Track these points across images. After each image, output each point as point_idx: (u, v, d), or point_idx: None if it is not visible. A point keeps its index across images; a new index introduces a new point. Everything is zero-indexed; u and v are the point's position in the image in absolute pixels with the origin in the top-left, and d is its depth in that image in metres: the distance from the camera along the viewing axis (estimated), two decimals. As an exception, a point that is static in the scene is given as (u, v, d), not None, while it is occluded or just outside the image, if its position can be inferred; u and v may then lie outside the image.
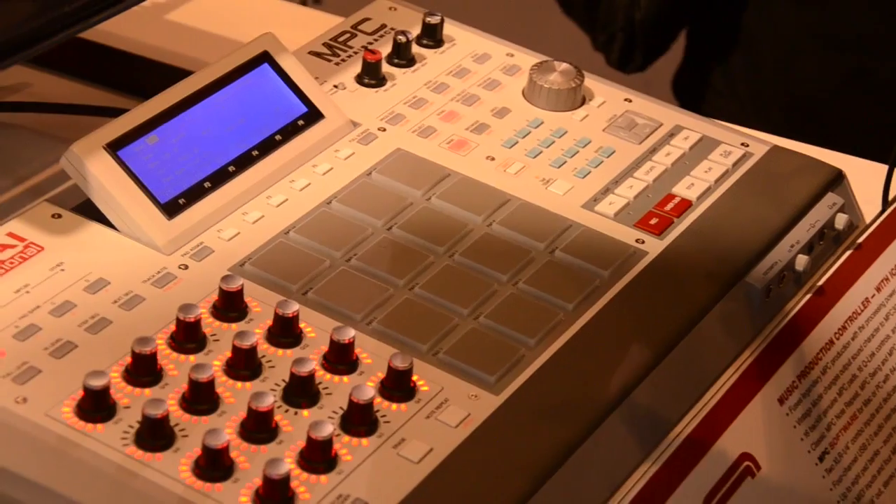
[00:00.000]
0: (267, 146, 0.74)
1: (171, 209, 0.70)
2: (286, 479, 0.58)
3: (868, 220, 0.80)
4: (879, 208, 0.80)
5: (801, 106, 1.23)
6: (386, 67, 0.82)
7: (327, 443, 0.59)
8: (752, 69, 1.25)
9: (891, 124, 1.20)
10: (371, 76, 0.81)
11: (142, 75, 0.92)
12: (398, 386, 0.63)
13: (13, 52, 0.72)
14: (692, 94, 1.31)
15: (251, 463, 0.59)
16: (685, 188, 0.77)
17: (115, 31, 0.91)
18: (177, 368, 0.63)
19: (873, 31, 1.19)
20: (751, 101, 1.25)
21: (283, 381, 0.63)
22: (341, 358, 0.64)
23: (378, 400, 0.62)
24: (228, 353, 0.63)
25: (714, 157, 0.79)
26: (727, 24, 1.26)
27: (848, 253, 0.77)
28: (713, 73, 1.28)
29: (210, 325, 0.65)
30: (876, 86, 1.20)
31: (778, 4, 1.22)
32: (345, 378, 0.64)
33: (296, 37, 0.82)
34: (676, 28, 1.31)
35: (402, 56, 0.83)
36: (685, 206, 0.76)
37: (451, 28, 0.86)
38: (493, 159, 0.77)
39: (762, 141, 0.81)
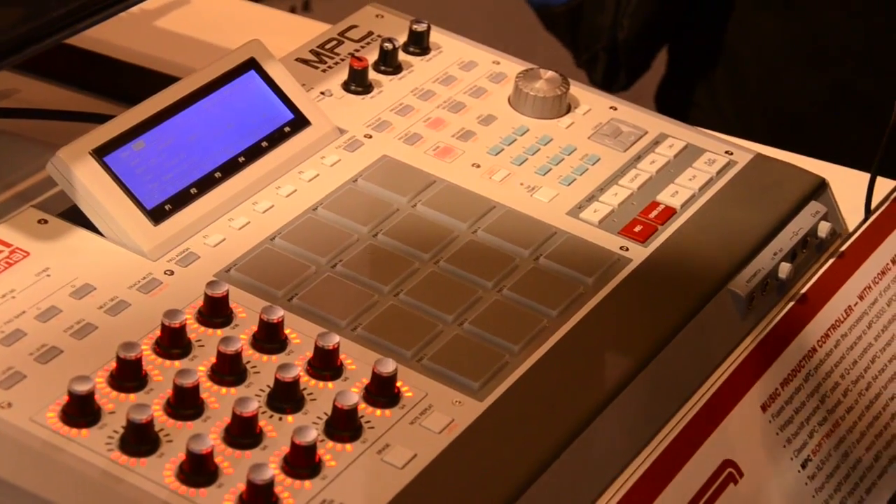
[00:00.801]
0: (253, 153, 0.75)
1: (158, 215, 0.70)
2: (270, 485, 0.58)
3: (851, 228, 0.81)
4: (862, 217, 0.81)
5: (784, 121, 1.23)
6: (372, 74, 0.83)
7: (311, 448, 0.59)
8: (735, 85, 1.25)
9: (874, 138, 1.20)
10: (358, 83, 0.82)
11: (129, 81, 0.92)
12: (382, 392, 0.63)
13: (0, 57, 0.72)
14: (676, 110, 1.31)
15: (235, 468, 0.59)
16: (669, 196, 0.77)
17: (102, 37, 0.91)
18: (162, 374, 0.63)
19: (855, 46, 1.20)
20: (734, 116, 1.25)
21: (268, 386, 0.63)
22: (326, 364, 0.64)
23: (362, 406, 0.63)
24: (213, 359, 0.63)
25: (698, 165, 0.79)
26: (710, 40, 1.26)
27: (831, 261, 0.77)
28: (696, 89, 1.28)
29: (195, 330, 0.65)
30: (859, 100, 1.21)
31: (760, 20, 1.23)
32: (329, 384, 0.64)
33: (283, 44, 0.82)
34: (659, 46, 1.32)
35: (389, 63, 0.83)
36: (669, 213, 0.76)
37: (437, 35, 0.86)
38: (478, 166, 0.78)
39: (746, 149, 0.81)
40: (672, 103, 1.31)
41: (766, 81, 1.23)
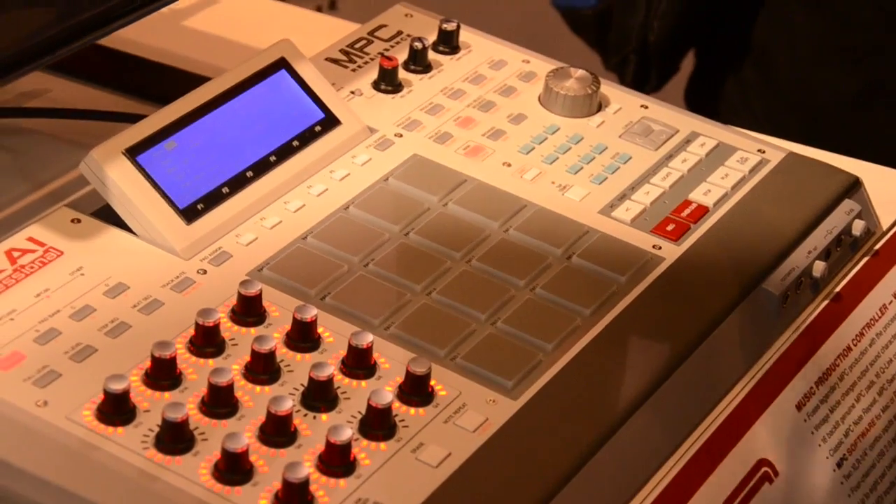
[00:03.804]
0: (284, 152, 0.75)
1: (190, 214, 0.70)
2: (305, 483, 0.58)
3: (885, 226, 0.80)
4: (896, 215, 0.80)
5: (814, 118, 1.23)
6: (402, 74, 0.83)
7: (346, 447, 0.59)
8: (765, 81, 1.25)
9: None
10: (387, 82, 0.82)
11: (160, 81, 0.92)
12: (416, 391, 0.63)
13: (33, 58, 0.72)
14: (705, 106, 1.31)
15: (270, 467, 0.59)
16: (702, 194, 0.77)
17: (133, 37, 0.92)
18: (196, 372, 0.63)
19: (886, 43, 1.19)
20: (764, 113, 1.25)
21: (302, 385, 0.63)
22: (359, 363, 0.64)
23: (396, 404, 0.63)
24: (247, 358, 0.63)
25: (730, 164, 0.79)
26: (740, 35, 1.26)
27: (865, 259, 0.77)
28: (726, 85, 1.28)
29: (229, 329, 0.65)
30: (890, 98, 1.20)
31: (791, 15, 1.22)
32: (363, 382, 0.64)
33: (313, 43, 0.82)
34: (690, 45, 1.31)
35: (419, 62, 0.83)
36: (702, 212, 0.76)
37: (467, 35, 0.86)
38: (509, 165, 0.78)
39: (779, 147, 0.81)
40: (701, 99, 1.31)
41: (797, 77, 1.23)
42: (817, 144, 0.88)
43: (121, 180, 0.69)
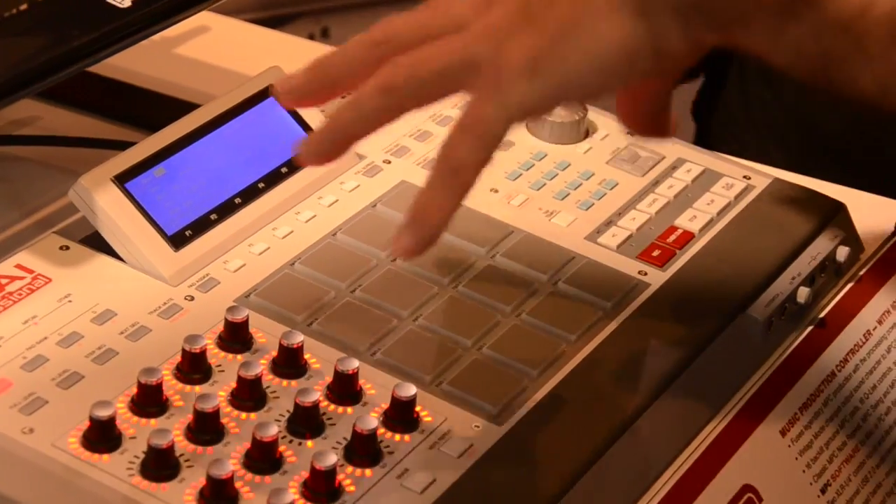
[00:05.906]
0: (273, 179, 0.75)
1: (178, 241, 0.70)
2: (290, 510, 0.58)
3: (869, 252, 0.81)
4: (880, 242, 0.81)
5: (818, 136, 1.23)
6: (391, 101, 0.83)
7: (331, 473, 0.60)
8: (771, 98, 1.25)
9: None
10: (376, 109, 0.82)
11: (150, 108, 0.92)
12: (402, 416, 0.63)
13: (23, 85, 0.72)
14: (711, 120, 1.31)
15: (256, 493, 0.60)
16: (687, 220, 0.77)
17: (123, 64, 0.92)
18: (182, 399, 0.63)
19: None
20: (768, 129, 1.25)
21: (288, 411, 0.63)
22: (345, 389, 0.64)
23: (382, 430, 0.63)
24: (233, 384, 0.64)
25: (716, 190, 0.80)
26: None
27: (849, 286, 0.77)
28: (732, 101, 1.28)
29: (215, 355, 0.66)
30: (888, 123, 1.20)
31: None
32: (349, 409, 0.64)
33: (302, 70, 0.83)
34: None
35: (407, 89, 0.84)
36: (687, 238, 0.76)
37: (455, 62, 0.86)
38: (496, 191, 0.78)
39: (764, 174, 0.82)
40: (707, 114, 1.31)
41: (802, 95, 1.23)
42: (818, 160, 0.87)
43: (109, 207, 0.70)
